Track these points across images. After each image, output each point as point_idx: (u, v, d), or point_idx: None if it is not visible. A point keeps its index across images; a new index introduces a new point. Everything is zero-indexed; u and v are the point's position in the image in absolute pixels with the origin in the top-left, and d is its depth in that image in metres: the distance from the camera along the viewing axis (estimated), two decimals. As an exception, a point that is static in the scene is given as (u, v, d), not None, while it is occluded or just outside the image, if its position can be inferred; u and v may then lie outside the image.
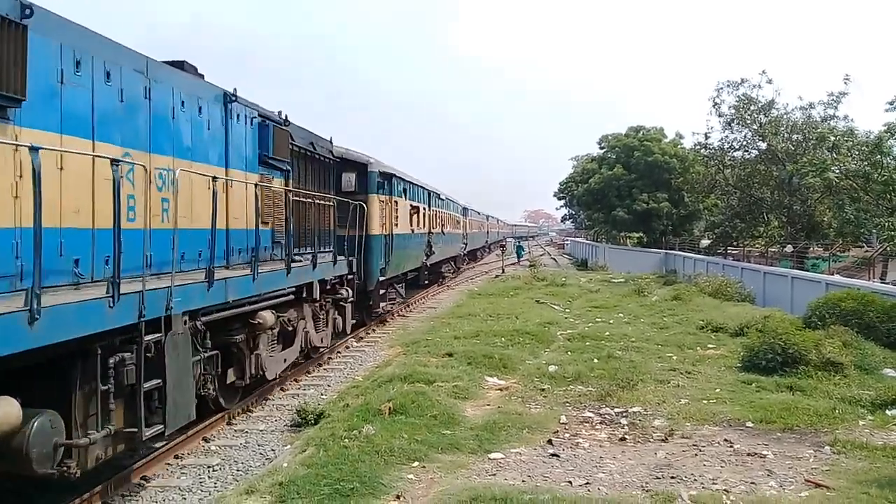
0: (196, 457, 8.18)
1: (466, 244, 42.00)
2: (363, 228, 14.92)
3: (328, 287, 12.64)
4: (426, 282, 27.67)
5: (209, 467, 7.80)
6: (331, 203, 13.52)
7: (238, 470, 7.78)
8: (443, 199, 30.55)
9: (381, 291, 17.68)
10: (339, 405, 9.76)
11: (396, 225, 19.00)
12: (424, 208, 24.66)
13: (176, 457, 8.00)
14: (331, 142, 14.23)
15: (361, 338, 16.44)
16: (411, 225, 21.91)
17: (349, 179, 16.24)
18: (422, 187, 24.84)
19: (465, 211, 41.62)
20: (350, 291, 13.88)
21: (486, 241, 62.69)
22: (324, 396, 11.07)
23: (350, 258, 13.90)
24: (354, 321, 14.99)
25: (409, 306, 22.68)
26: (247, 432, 9.13)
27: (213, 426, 9.04)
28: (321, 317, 12.43)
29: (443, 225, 29.73)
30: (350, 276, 14.01)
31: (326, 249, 12.91)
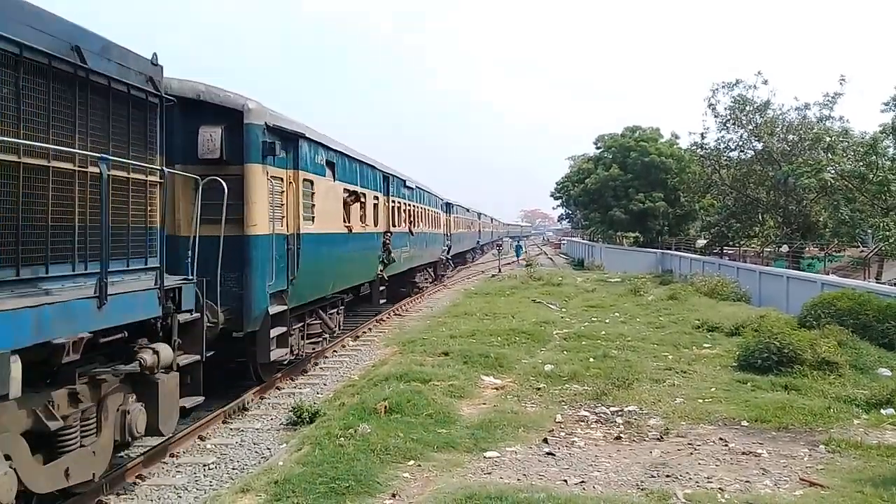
0: (192, 455, 8.17)
1: (450, 246, 34.69)
2: (233, 224, 9.24)
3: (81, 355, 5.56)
4: (383, 301, 19.32)
5: (205, 465, 7.80)
6: (141, 177, 6.67)
7: (234, 468, 7.78)
8: (411, 188, 23.46)
9: (280, 331, 10.81)
10: (335, 404, 9.78)
11: (311, 219, 11.99)
12: (377, 197, 18.01)
13: (171, 455, 7.99)
14: (156, 64, 7.04)
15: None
16: (348, 220, 14.81)
17: (210, 138, 9.60)
18: (370, 165, 17.36)
19: (448, 207, 34.90)
20: (168, 353, 6.78)
21: (478, 242, 56.10)
22: (319, 395, 11.07)
23: (187, 280, 7.53)
24: (202, 397, 7.98)
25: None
26: (242, 431, 9.13)
27: (209, 424, 9.03)
28: (73, 420, 5.78)
29: (411, 222, 22.92)
30: (185, 318, 7.39)
31: (90, 268, 5.77)
